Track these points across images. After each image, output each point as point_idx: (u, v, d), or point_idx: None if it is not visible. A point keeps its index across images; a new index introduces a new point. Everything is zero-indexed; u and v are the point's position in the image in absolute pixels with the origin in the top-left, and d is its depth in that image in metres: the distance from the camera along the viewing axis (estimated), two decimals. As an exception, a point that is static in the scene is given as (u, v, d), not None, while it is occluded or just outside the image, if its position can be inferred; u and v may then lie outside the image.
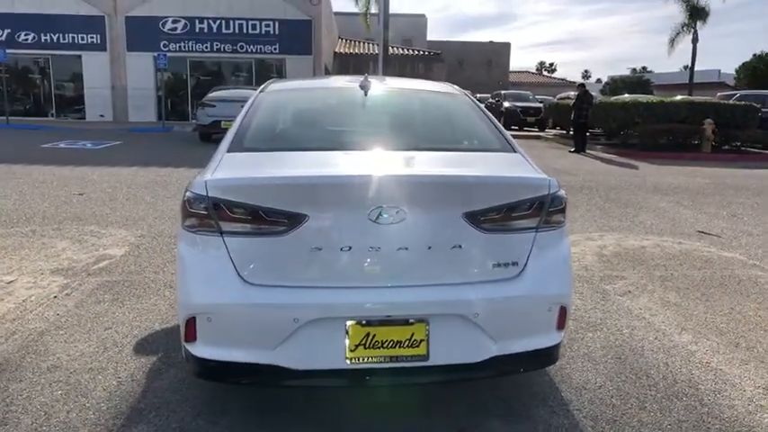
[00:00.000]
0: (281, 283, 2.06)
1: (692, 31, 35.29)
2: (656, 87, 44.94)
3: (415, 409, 2.44)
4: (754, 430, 2.38)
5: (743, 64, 38.14)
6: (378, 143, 2.55)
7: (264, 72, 21.59)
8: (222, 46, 21.24)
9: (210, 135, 14.12)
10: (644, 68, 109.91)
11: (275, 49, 21.37)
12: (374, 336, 2.05)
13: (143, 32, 20.82)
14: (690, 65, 36.26)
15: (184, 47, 21.17)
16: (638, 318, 3.56)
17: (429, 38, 41.91)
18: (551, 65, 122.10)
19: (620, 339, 3.23)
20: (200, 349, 2.11)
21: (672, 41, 37.03)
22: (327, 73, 24.55)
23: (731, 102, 14.57)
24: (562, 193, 2.27)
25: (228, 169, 2.19)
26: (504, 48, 51.00)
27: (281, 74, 21.39)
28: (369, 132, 2.77)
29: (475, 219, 2.11)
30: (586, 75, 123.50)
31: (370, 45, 31.26)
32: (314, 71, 21.68)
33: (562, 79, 58.04)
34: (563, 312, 2.28)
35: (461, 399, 2.51)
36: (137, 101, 21.40)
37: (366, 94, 2.93)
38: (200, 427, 2.29)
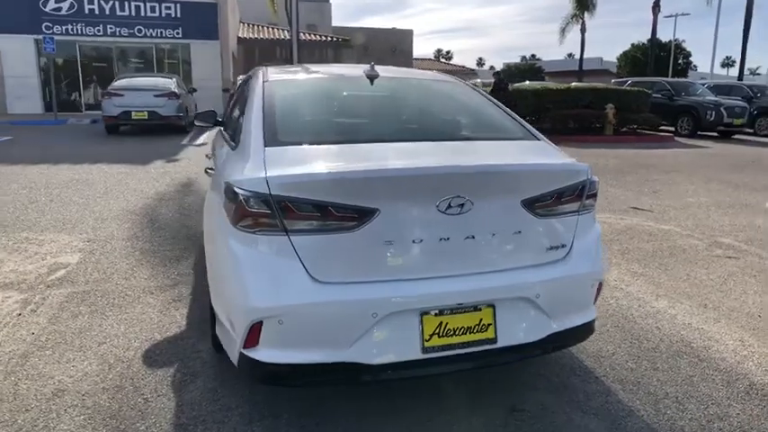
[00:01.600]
0: (354, 280, 2.01)
1: (581, 21, 37.93)
2: (547, 74, 48.01)
3: (467, 392, 2.49)
4: (747, 376, 2.69)
5: (623, 53, 41.86)
6: (414, 134, 2.54)
7: (167, 59, 20.32)
8: (117, 29, 19.65)
9: (118, 127, 13.11)
10: (533, 56, 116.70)
11: (178, 33, 20.15)
12: (446, 324, 2.07)
13: (19, 12, 18.67)
14: (580, 53, 38.85)
15: (72, 30, 19.34)
16: (617, 288, 3.86)
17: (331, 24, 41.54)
18: (448, 52, 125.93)
19: (611, 309, 3.49)
20: (265, 354, 2.01)
21: (563, 30, 39.48)
22: (234, 60, 23.60)
23: (626, 88, 15.94)
24: (595, 178, 2.41)
25: (284, 165, 2.08)
26: (407, 34, 51.76)
27: (186, 61, 20.25)
28: (400, 123, 2.75)
29: (531, 205, 2.18)
30: (480, 62, 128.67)
31: (275, 30, 30.41)
32: (221, 57, 20.75)
33: (462, 66, 60.05)
34: (599, 288, 2.45)
35: (506, 378, 2.61)
36: (16, 90, 19.25)
37: (377, 84, 2.89)
38: (258, 435, 2.19)
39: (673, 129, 16.05)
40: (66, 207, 5.90)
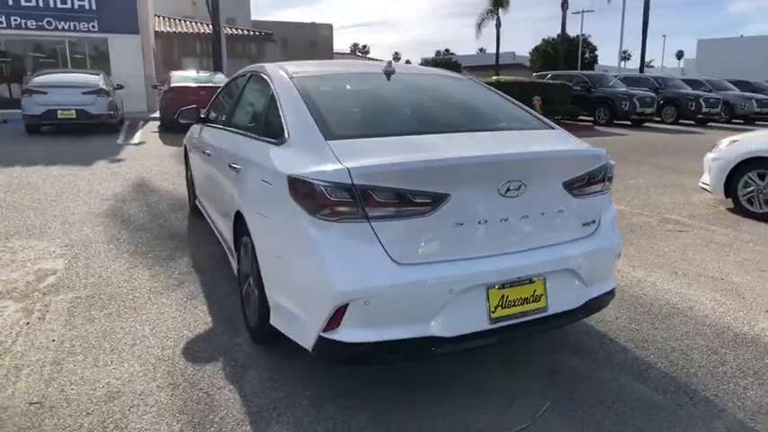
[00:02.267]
0: (430, 260, 2.17)
1: (496, 17, 39.51)
2: (464, 69, 49.57)
3: (508, 362, 2.72)
4: (730, 328, 3.12)
5: (535, 47, 44.14)
6: (452, 126, 2.73)
7: (84, 53, 19.06)
8: (23, 21, 18.13)
9: (40, 127, 12.21)
10: (447, 51, 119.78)
11: (93, 26, 18.90)
12: (507, 296, 2.28)
13: None
14: (496, 48, 40.51)
15: (-31, 22, 17.64)
16: (598, 263, 4.26)
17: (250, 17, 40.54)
18: (364, 47, 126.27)
19: (599, 282, 3.87)
20: (348, 334, 2.13)
21: (479, 26, 40.90)
22: (154, 55, 22.53)
23: (549, 81, 16.93)
24: (613, 162, 2.71)
25: (357, 157, 2.19)
26: (327, 29, 51.47)
27: (104, 56, 19.07)
28: (435, 115, 2.92)
29: (569, 186, 2.44)
30: (396, 57, 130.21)
31: (193, 23, 29.31)
32: (143, 52, 19.76)
33: (382, 61, 60.63)
34: (618, 258, 2.76)
35: (536, 347, 2.87)
36: None
37: (399, 79, 3.05)
38: (335, 413, 2.29)
39: (591, 118, 17.28)
40: (21, 213, 5.53)
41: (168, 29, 27.77)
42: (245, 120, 3.47)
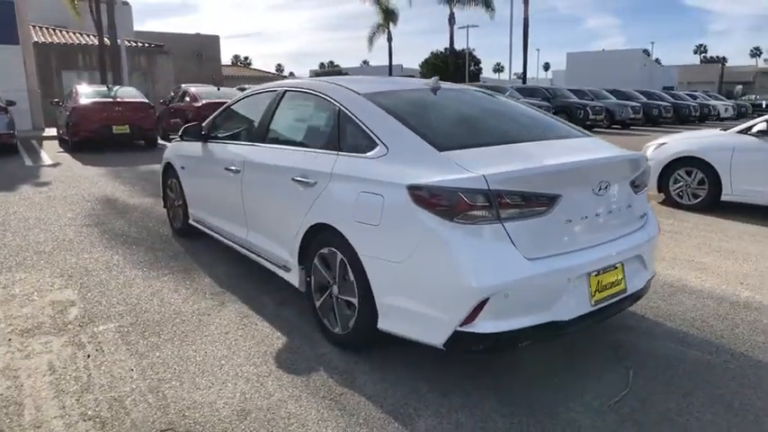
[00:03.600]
0: (549, 254, 2.46)
1: (387, 30, 40.85)
2: (357, 80, 50.46)
3: (574, 345, 3.08)
4: (726, 297, 3.74)
5: (425, 60, 46.20)
6: (528, 135, 3.05)
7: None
8: None
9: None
10: (331, 63, 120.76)
11: (-36, 37, 16.89)
12: (601, 282, 2.64)
13: None
14: (389, 61, 41.79)
15: None
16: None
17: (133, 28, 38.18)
18: (246, 58, 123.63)
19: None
20: (485, 326, 2.35)
21: (370, 39, 42.03)
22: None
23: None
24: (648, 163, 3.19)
25: (481, 165, 2.42)
26: (214, 40, 49.74)
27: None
28: (506, 126, 3.22)
29: (632, 184, 2.87)
30: (280, 68, 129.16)
31: (75, 34, 27.11)
32: (24, 65, 17.98)
33: (278, 73, 59.86)
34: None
35: (593, 329, 3.25)
36: None
37: (454, 94, 3.35)
38: (463, 402, 2.49)
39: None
40: (-25, 245, 4.99)
41: (46, 39, 25.42)
42: (299, 135, 3.52)
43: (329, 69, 73.20)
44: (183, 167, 4.87)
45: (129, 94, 12.93)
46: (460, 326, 2.37)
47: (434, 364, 2.81)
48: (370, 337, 2.84)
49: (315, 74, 65.54)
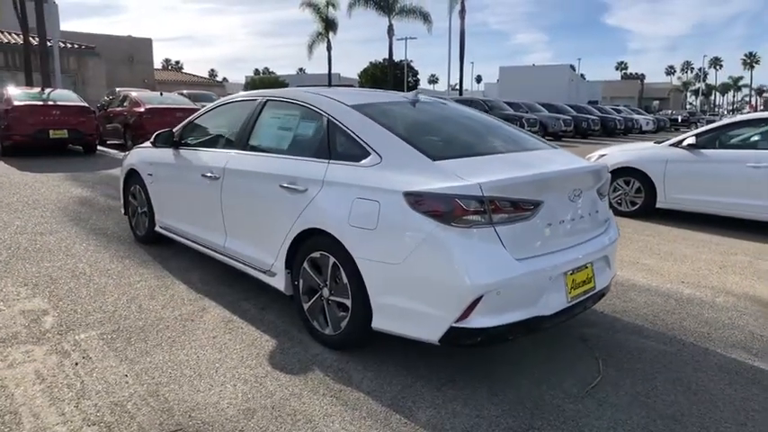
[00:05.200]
0: (533, 254, 2.70)
1: (326, 39, 41.00)
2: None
3: (546, 339, 3.34)
4: (670, 295, 4.14)
5: (364, 70, 46.72)
6: (506, 146, 3.30)
7: None
8: None
9: None
10: (266, 69, 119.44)
11: None
12: (575, 280, 2.91)
13: None
14: (328, 69, 41.93)
15: None
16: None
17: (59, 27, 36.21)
18: (177, 62, 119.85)
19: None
20: (479, 321, 2.55)
21: (310, 47, 42.01)
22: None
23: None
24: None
25: (473, 174, 2.63)
26: (146, 43, 48.07)
27: None
28: (487, 138, 3.45)
29: (598, 192, 3.17)
30: (213, 74, 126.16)
31: (-6, 33, 25.40)
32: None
33: (211, 78, 58.35)
34: (614, 247, 3.57)
35: (560, 324, 3.53)
36: None
37: (426, 108, 3.54)
38: (455, 395, 2.68)
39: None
40: None
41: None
42: (284, 143, 3.60)
43: (264, 76, 72.16)
44: (150, 174, 4.81)
45: (66, 97, 12.35)
46: (456, 322, 2.56)
47: (424, 362, 2.99)
48: (364, 337, 2.97)
49: (251, 80, 64.59)
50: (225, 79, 74.78)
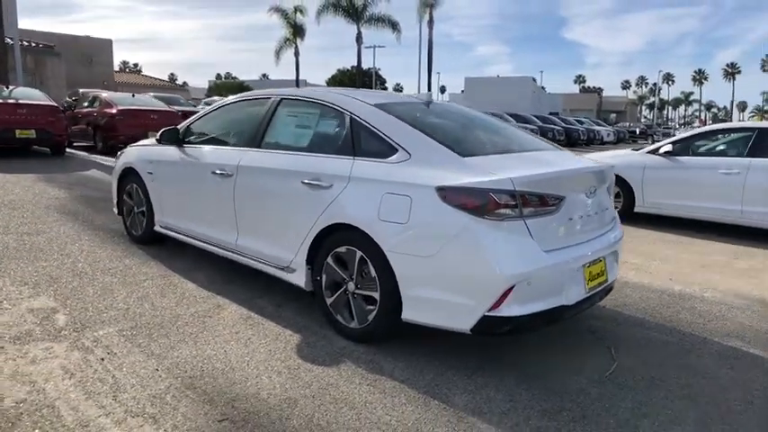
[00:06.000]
0: (558, 246, 2.85)
1: (294, 45, 40.90)
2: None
3: (559, 333, 3.49)
4: (663, 291, 4.37)
5: (332, 76, 46.81)
6: (521, 146, 3.44)
7: None
8: None
9: None
10: (229, 74, 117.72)
11: None
12: (591, 272, 3.07)
13: None
14: (296, 75, 41.77)
15: None
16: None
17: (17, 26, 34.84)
18: (136, 65, 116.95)
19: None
20: (510, 310, 2.68)
21: (277, 53, 41.83)
22: None
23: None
24: (612, 171, 3.72)
25: (503, 170, 2.76)
26: (106, 44, 46.77)
27: None
28: (503, 138, 3.59)
29: (607, 190, 3.36)
30: (173, 78, 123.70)
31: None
32: None
33: (171, 81, 57.15)
34: (618, 243, 3.77)
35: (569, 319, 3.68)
36: None
37: (439, 109, 3.68)
38: (485, 381, 2.79)
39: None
40: None
41: None
42: (303, 141, 3.64)
43: (228, 81, 71.18)
44: (150, 173, 4.76)
45: (33, 96, 11.92)
46: (488, 311, 2.67)
47: (451, 352, 3.08)
48: (391, 329, 3.05)
49: (214, 84, 63.71)
50: (185, 83, 73.47)
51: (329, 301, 3.30)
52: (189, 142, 4.48)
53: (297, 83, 42.59)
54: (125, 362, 2.86)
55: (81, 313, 3.46)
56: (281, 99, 3.88)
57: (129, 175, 5.09)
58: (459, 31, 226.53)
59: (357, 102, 3.43)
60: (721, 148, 6.87)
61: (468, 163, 2.86)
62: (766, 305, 4.17)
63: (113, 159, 11.67)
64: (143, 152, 4.94)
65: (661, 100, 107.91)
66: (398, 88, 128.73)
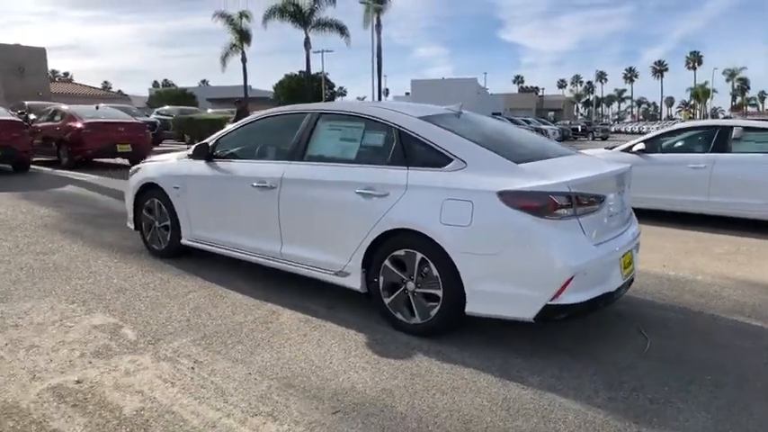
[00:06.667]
0: (602, 240, 3.24)
1: (241, 51, 40.43)
2: (208, 101, 48.89)
3: (593, 320, 3.89)
4: (662, 277, 4.87)
5: (280, 82, 46.51)
6: (557, 152, 3.81)
7: None
8: None
9: None
10: (166, 81, 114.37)
11: None
12: (624, 262, 3.48)
13: None
14: (244, 81, 41.31)
15: None
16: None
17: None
18: (66, 74, 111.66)
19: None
20: (569, 298, 3.04)
21: (223, 59, 41.30)
22: None
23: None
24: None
25: (556, 175, 3.12)
26: (39, 53, 44.56)
27: None
28: (536, 144, 3.95)
29: (627, 188, 3.79)
30: (107, 86, 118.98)
31: None
32: None
33: (106, 90, 54.99)
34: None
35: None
36: None
37: (470, 118, 4.03)
38: (549, 364, 3.14)
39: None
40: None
41: None
42: (350, 153, 3.86)
43: (170, 88, 69.08)
44: (176, 187, 4.84)
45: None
46: (551, 300, 3.03)
47: (504, 340, 3.41)
48: (454, 323, 3.36)
49: (156, 92, 61.89)
50: (120, 92, 70.85)
51: (387, 300, 3.56)
52: (217, 157, 4.62)
53: (245, 88, 42.11)
54: (215, 368, 3.02)
55: (145, 327, 3.57)
56: (320, 114, 4.11)
57: (148, 191, 5.15)
58: (399, 34, 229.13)
59: (402, 115, 3.71)
60: (689, 144, 7.57)
61: (522, 169, 3.21)
62: (751, 284, 4.74)
63: (85, 174, 11.51)
64: (166, 168, 5.02)
65: (596, 97, 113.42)
66: (341, 92, 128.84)
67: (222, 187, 4.50)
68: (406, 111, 3.80)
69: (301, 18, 37.65)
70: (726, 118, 66.89)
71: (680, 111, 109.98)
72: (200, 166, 4.66)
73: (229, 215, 4.50)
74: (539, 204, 3.03)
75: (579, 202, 3.10)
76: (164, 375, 2.93)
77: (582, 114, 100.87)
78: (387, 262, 3.52)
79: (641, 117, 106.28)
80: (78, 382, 2.84)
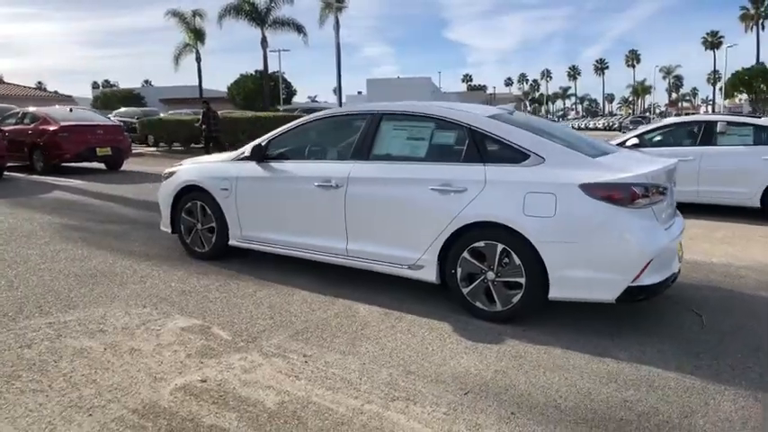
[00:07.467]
0: (668, 226, 3.57)
1: (195, 50, 39.44)
2: (161, 101, 47.46)
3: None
4: (696, 263, 5.31)
5: (236, 81, 45.58)
6: (609, 149, 4.10)
7: None
8: None
9: None
10: (107, 82, 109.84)
11: None
12: (679, 247, 3.83)
13: None
14: (198, 81, 40.34)
15: None
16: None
17: None
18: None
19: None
20: (647, 279, 3.36)
21: (176, 58, 40.06)
22: None
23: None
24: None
25: (626, 167, 3.45)
26: (-27, 53, 42.13)
27: None
28: (591, 141, 4.23)
29: (674, 183, 4.15)
30: (41, 86, 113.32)
31: None
32: None
33: (40, 89, 52.28)
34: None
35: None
36: None
37: (521, 116, 4.29)
38: (608, 345, 3.44)
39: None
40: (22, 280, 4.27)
41: None
42: (420, 152, 4.04)
43: (115, 89, 66.45)
44: (224, 189, 4.87)
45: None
46: (632, 282, 3.33)
47: (581, 323, 3.69)
48: (537, 308, 3.61)
49: (102, 93, 59.54)
50: (56, 92, 67.65)
51: (465, 290, 3.78)
52: (269, 158, 4.69)
53: (200, 89, 41.15)
54: (327, 360, 3.15)
55: (235, 326, 3.64)
56: (383, 114, 4.26)
57: (190, 193, 5.14)
58: (346, 32, 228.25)
59: (472, 114, 3.93)
60: (678, 139, 8.14)
61: (599, 163, 3.50)
62: (761, 263, 5.24)
63: (68, 180, 11.10)
64: (211, 169, 5.04)
65: (542, 95, 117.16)
66: (293, 92, 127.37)
67: (279, 187, 4.58)
68: (473, 110, 4.02)
69: (258, 17, 37.05)
70: (660, 114, 70.79)
71: (620, 107, 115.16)
72: (251, 167, 4.72)
73: (288, 214, 4.57)
74: (622, 195, 3.33)
75: (653, 192, 3.42)
76: (283, 370, 3.03)
77: (529, 111, 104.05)
78: (465, 254, 3.73)
79: (584, 114, 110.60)
80: (203, 381, 2.91)
